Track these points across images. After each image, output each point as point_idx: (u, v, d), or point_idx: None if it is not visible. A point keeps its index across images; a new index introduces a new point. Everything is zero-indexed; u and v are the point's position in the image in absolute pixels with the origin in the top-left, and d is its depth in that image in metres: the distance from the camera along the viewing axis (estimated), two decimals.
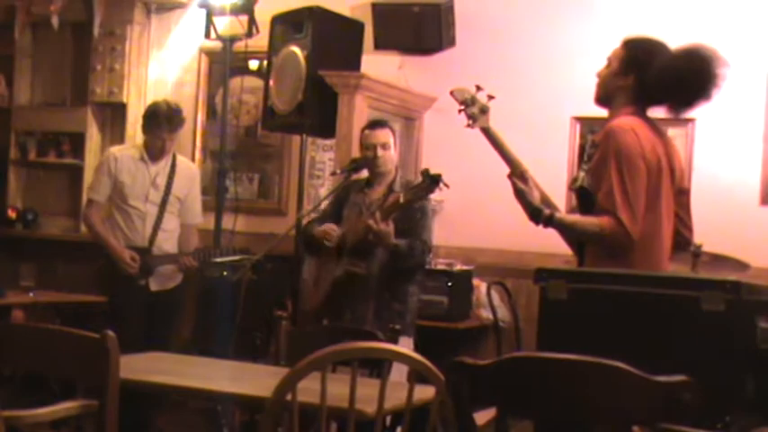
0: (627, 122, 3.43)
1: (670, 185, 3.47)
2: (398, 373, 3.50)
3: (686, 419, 2.13)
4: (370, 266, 4.62)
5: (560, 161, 5.91)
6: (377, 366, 3.43)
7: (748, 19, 5.58)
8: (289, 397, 2.75)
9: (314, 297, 4.81)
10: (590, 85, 3.65)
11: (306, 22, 5.63)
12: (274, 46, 5.84)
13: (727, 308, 2.65)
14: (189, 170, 5.67)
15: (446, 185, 4.38)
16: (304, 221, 5.18)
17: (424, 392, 2.91)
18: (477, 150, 5.65)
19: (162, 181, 5.48)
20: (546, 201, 3.70)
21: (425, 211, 4.69)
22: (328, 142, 6.29)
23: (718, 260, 4.67)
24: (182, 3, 7.16)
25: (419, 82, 6.27)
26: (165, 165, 5.51)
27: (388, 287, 4.64)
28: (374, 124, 4.88)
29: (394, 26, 6.21)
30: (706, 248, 4.53)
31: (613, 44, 3.62)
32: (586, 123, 5.84)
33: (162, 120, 5.41)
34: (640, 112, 3.51)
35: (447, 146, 6.20)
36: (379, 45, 6.22)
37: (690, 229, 3.62)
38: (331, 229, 4.75)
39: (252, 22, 6.04)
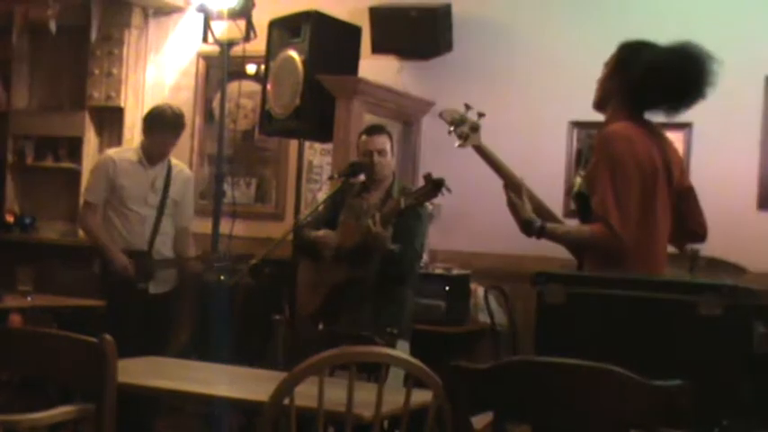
0: (621, 128, 3.43)
1: (667, 190, 3.47)
2: (396, 377, 3.51)
3: (683, 423, 2.14)
4: (368, 270, 4.62)
5: (558, 166, 5.92)
6: (374, 370, 3.43)
7: (745, 23, 5.59)
8: (286, 401, 2.75)
9: (311, 301, 4.80)
10: (588, 90, 3.66)
11: (303, 27, 5.63)
12: (272, 50, 5.84)
13: (724, 312, 2.66)
14: (183, 173, 5.68)
15: (448, 190, 4.39)
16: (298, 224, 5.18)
17: (422, 396, 2.91)
18: (474, 155, 5.66)
19: (159, 184, 5.49)
20: (543, 210, 3.71)
21: (420, 217, 4.69)
22: (326, 146, 6.30)
23: (716, 264, 4.68)
24: (179, 7, 7.16)
25: (417, 86, 6.28)
26: (161, 168, 5.52)
27: (384, 291, 4.64)
28: (371, 130, 4.88)
29: (391, 30, 6.21)
30: (703, 253, 4.55)
31: (611, 49, 3.63)
32: (584, 128, 5.85)
33: (169, 124, 5.43)
34: (636, 116, 3.51)
35: (444, 150, 6.17)
36: (377, 49, 6.22)
37: (702, 224, 3.63)
38: (329, 238, 4.74)
39: (249, 26, 6.04)
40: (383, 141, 4.78)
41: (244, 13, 6.01)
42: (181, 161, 5.89)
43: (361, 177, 4.93)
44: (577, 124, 5.87)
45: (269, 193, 6.92)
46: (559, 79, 5.79)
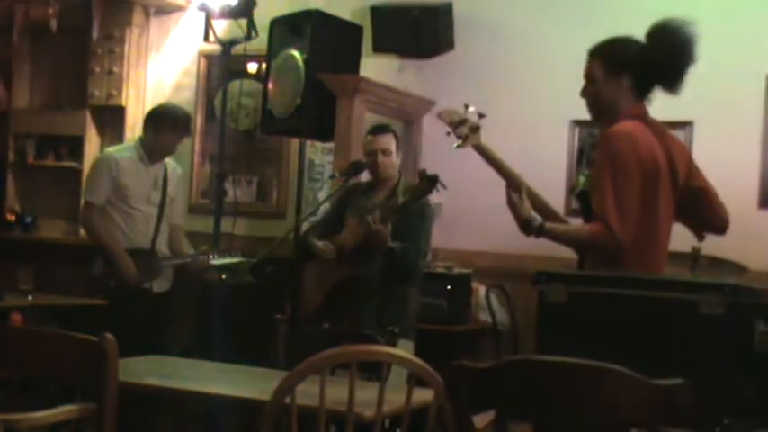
0: (625, 127, 3.42)
1: (671, 189, 3.46)
2: (397, 376, 3.51)
3: (684, 422, 2.14)
4: (371, 269, 4.62)
5: (559, 164, 5.92)
6: (375, 369, 3.43)
7: (746, 22, 5.59)
8: (287, 400, 2.75)
9: (315, 299, 4.80)
10: None
11: (305, 26, 5.63)
12: (273, 49, 5.84)
13: (725, 311, 2.66)
14: (176, 170, 5.69)
15: (443, 186, 4.39)
16: (303, 227, 5.17)
17: (423, 395, 2.91)
18: (475, 154, 5.66)
19: (160, 182, 5.49)
20: (545, 209, 3.71)
21: (425, 216, 4.68)
22: (327, 145, 6.29)
23: (717, 263, 4.68)
24: (180, 6, 7.16)
25: (418, 85, 6.28)
26: (159, 166, 5.52)
27: (388, 290, 4.64)
28: (376, 130, 4.87)
29: (393, 29, 6.21)
30: (704, 252, 4.55)
31: None
32: (585, 127, 5.86)
33: (181, 124, 5.43)
34: (642, 113, 3.51)
35: (446, 149, 6.17)
36: (378, 48, 6.23)
37: (722, 219, 3.62)
38: (328, 248, 4.73)
39: (251, 25, 6.05)
40: (388, 141, 4.77)
41: (245, 11, 6.02)
42: (181, 160, 5.90)
43: (362, 176, 4.94)
44: (578, 123, 5.87)
45: (270, 192, 6.91)
46: (561, 78, 5.78)
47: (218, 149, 6.28)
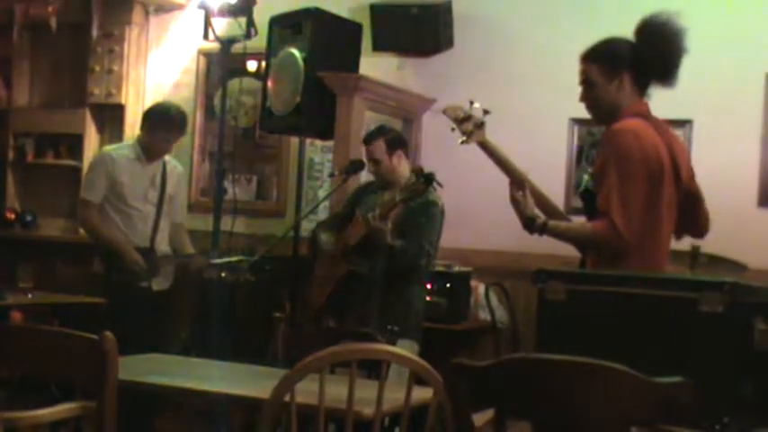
0: (630, 124, 3.43)
1: (674, 188, 3.46)
2: (397, 374, 3.51)
3: (684, 421, 2.14)
4: (375, 267, 4.61)
5: (558, 163, 5.92)
6: (375, 368, 3.43)
7: (746, 21, 5.59)
8: (287, 398, 2.75)
9: (320, 297, 4.81)
10: None
11: (304, 24, 5.63)
12: (273, 47, 5.84)
13: (724, 309, 2.66)
14: (177, 169, 5.69)
15: (439, 184, 4.39)
16: (303, 226, 5.17)
17: (423, 394, 2.92)
18: (475, 152, 5.65)
19: (158, 181, 5.49)
20: (549, 206, 3.71)
21: (430, 215, 4.67)
22: (327, 144, 6.29)
23: (716, 261, 4.68)
24: (180, 4, 7.16)
25: (417, 83, 6.28)
26: (158, 165, 5.52)
27: (392, 288, 4.63)
28: (363, 139, 4.91)
29: (392, 27, 6.21)
30: (704, 250, 4.55)
31: None
32: (584, 125, 5.86)
33: (175, 124, 5.43)
34: (644, 110, 3.51)
35: (445, 147, 6.18)
36: (378, 46, 6.23)
37: (704, 227, 3.64)
38: (331, 241, 4.75)
39: (250, 23, 6.03)
40: (374, 151, 4.77)
41: (244, 10, 6.00)
42: (181, 158, 5.90)
43: (362, 175, 4.95)
44: (578, 121, 5.87)
45: (270, 191, 6.92)
46: (560, 76, 5.75)
47: (218, 147, 6.25)
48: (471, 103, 3.93)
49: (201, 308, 6.07)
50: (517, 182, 3.62)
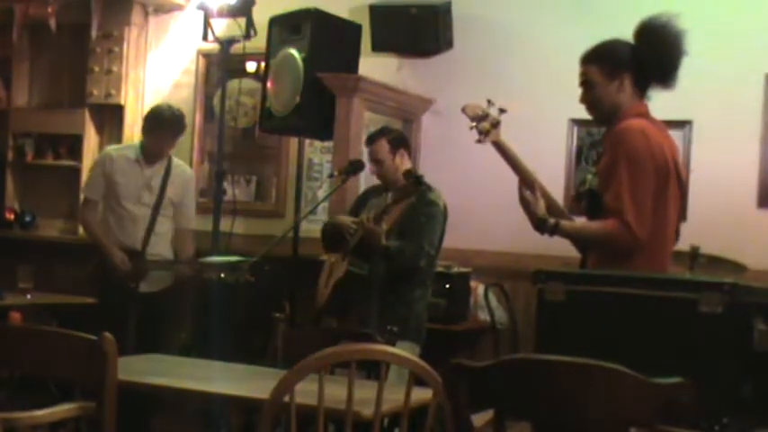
0: (637, 124, 3.44)
1: (677, 188, 3.47)
2: (397, 375, 3.51)
3: (683, 421, 2.14)
4: (375, 268, 4.60)
5: (557, 163, 5.92)
6: (374, 368, 3.43)
7: (745, 21, 5.59)
8: (286, 399, 2.75)
9: (322, 297, 4.81)
10: None
11: (303, 25, 5.63)
12: (272, 48, 5.84)
13: (724, 310, 2.66)
14: (184, 174, 5.67)
15: (429, 186, 4.41)
16: (302, 226, 5.17)
17: (422, 394, 2.91)
18: (474, 152, 5.64)
19: (156, 184, 5.48)
20: (554, 207, 3.70)
21: (431, 216, 4.66)
22: (326, 144, 6.29)
23: (716, 262, 4.68)
24: (179, 5, 7.16)
25: (417, 84, 6.28)
26: (160, 167, 5.51)
27: (392, 290, 4.62)
28: (366, 140, 4.92)
29: (391, 28, 6.21)
30: (703, 251, 4.55)
31: None
32: (584, 125, 5.86)
33: (166, 125, 5.43)
34: (645, 111, 3.52)
35: (445, 148, 6.20)
36: (377, 47, 6.22)
37: (677, 233, 3.63)
38: (350, 220, 4.75)
39: (249, 24, 6.03)
40: (377, 150, 4.78)
41: (244, 10, 6.00)
42: (180, 158, 5.89)
43: (361, 176, 4.95)
44: (577, 122, 5.87)
45: (269, 191, 6.92)
46: (559, 77, 5.77)
47: (217, 148, 6.25)
48: (489, 101, 3.91)
49: (201, 309, 6.07)
50: (527, 182, 3.61)
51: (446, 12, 6.14)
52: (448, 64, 6.25)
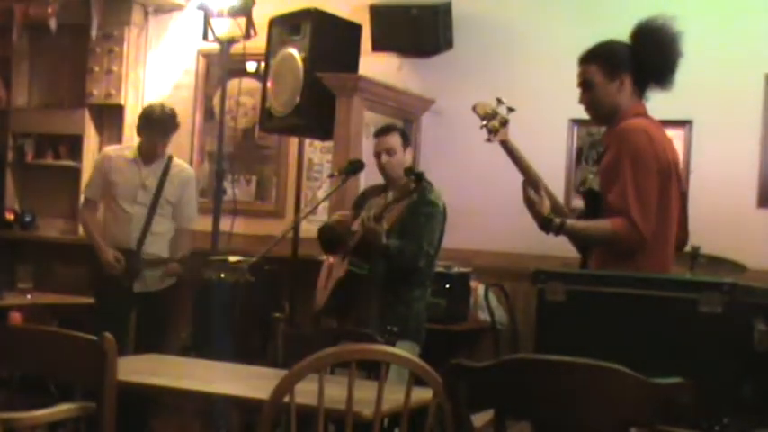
0: (639, 123, 3.44)
1: (678, 187, 3.48)
2: (397, 375, 3.51)
3: (683, 421, 2.14)
4: (375, 268, 4.60)
5: (558, 163, 5.92)
6: (374, 368, 3.43)
7: (746, 21, 5.59)
8: (286, 399, 2.75)
9: (322, 297, 4.81)
10: None
11: (303, 24, 5.63)
12: (272, 48, 5.84)
13: (724, 310, 2.66)
14: (183, 173, 5.66)
15: (429, 183, 4.40)
16: (301, 226, 5.16)
17: (422, 394, 2.91)
18: (474, 152, 5.66)
19: (152, 183, 5.48)
20: (557, 207, 3.70)
21: (431, 216, 4.65)
22: (326, 144, 6.29)
23: (716, 262, 4.69)
24: (179, 5, 7.16)
25: (417, 84, 6.28)
26: (157, 167, 5.51)
27: (392, 290, 4.62)
28: (379, 131, 4.89)
29: (392, 28, 6.21)
30: (704, 251, 4.55)
31: None
32: (584, 125, 5.86)
33: (155, 123, 5.43)
34: (644, 111, 3.52)
35: (445, 148, 6.20)
36: (377, 47, 6.22)
37: (686, 229, 3.63)
38: (344, 215, 4.75)
39: (249, 24, 6.04)
40: (390, 140, 4.76)
41: (244, 10, 6.01)
42: (181, 158, 5.89)
43: (363, 176, 4.94)
44: (577, 122, 5.87)
45: (269, 191, 6.92)
46: (560, 76, 5.76)
47: (217, 148, 6.26)
48: (498, 100, 3.90)
49: (200, 308, 6.07)
50: (532, 182, 3.61)
51: (446, 12, 6.14)
52: (448, 64, 6.25)
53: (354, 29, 5.95)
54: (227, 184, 6.18)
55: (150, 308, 5.47)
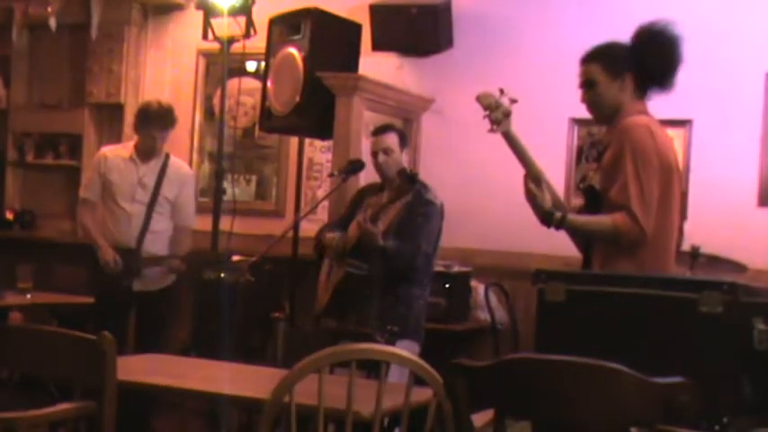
0: (642, 121, 3.45)
1: (679, 186, 3.48)
2: (398, 374, 3.51)
3: (684, 421, 2.14)
4: (373, 268, 4.60)
5: (558, 162, 5.91)
6: (375, 368, 3.43)
7: (746, 20, 5.58)
8: (286, 398, 2.75)
9: (323, 298, 4.81)
10: None
11: (303, 24, 5.62)
12: (272, 47, 5.83)
13: (724, 309, 2.65)
14: (181, 171, 5.65)
15: (423, 184, 4.42)
16: (301, 226, 5.17)
17: (422, 394, 2.91)
18: (474, 152, 5.66)
19: (150, 181, 5.47)
20: (558, 202, 3.70)
21: (429, 216, 4.66)
22: (326, 144, 6.29)
23: (716, 262, 4.68)
24: (179, 4, 7.16)
25: (417, 83, 6.28)
26: (155, 165, 5.51)
27: (391, 289, 4.62)
28: (377, 130, 4.90)
29: (392, 27, 6.20)
30: (704, 250, 4.55)
31: None
32: (584, 125, 5.85)
33: (152, 118, 5.42)
34: (645, 110, 3.52)
35: (445, 147, 6.20)
36: (377, 46, 6.22)
37: (681, 230, 3.63)
38: (331, 237, 4.76)
39: (249, 23, 6.04)
40: (388, 139, 4.77)
41: (244, 10, 6.01)
42: (181, 158, 5.89)
43: (363, 175, 4.94)
44: (578, 121, 5.87)
45: (269, 191, 6.92)
46: (560, 76, 5.78)
47: (217, 148, 6.27)
48: (501, 91, 3.90)
49: (201, 308, 6.07)
50: (533, 177, 3.60)
51: (446, 11, 6.14)
52: (448, 63, 6.24)
53: (354, 28, 5.95)
54: (226, 184, 6.17)
55: (150, 307, 5.47)
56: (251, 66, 6.70)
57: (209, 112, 7.09)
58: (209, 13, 6.10)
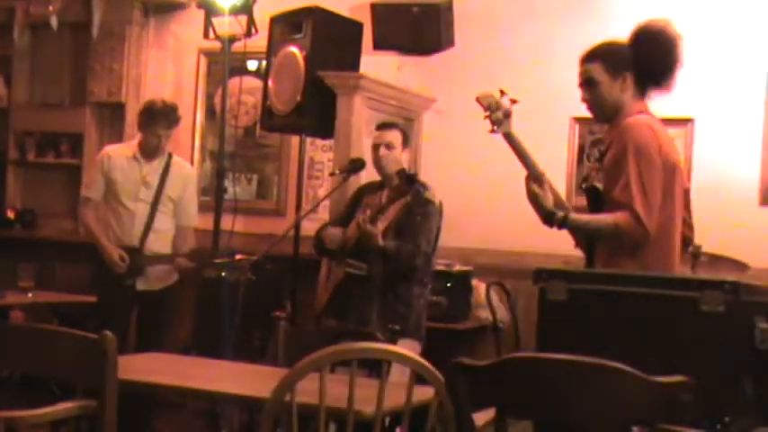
0: (643, 119, 3.45)
1: (682, 183, 3.48)
2: (399, 373, 3.50)
3: (685, 420, 2.13)
4: (374, 268, 4.60)
5: (560, 162, 5.91)
6: (376, 367, 3.42)
7: (748, 19, 5.58)
8: (288, 397, 2.75)
9: (323, 297, 4.81)
10: None
11: (305, 23, 5.62)
12: (273, 46, 5.83)
13: (726, 308, 2.65)
14: (184, 171, 5.66)
15: (423, 185, 4.44)
16: (302, 225, 5.17)
17: (423, 393, 2.91)
18: (475, 151, 5.65)
19: (153, 180, 5.47)
20: (560, 202, 3.70)
21: (428, 215, 4.66)
22: (327, 143, 6.29)
23: (718, 261, 4.67)
24: (181, 3, 7.16)
25: (418, 82, 6.27)
26: (158, 164, 5.51)
27: (391, 289, 4.62)
28: (381, 126, 4.91)
29: (393, 26, 6.20)
30: (705, 249, 4.54)
31: None
32: (586, 124, 5.85)
33: (158, 116, 5.41)
34: (646, 110, 3.52)
35: (446, 147, 6.19)
36: (378, 45, 6.22)
37: (692, 227, 3.63)
38: (333, 234, 4.76)
39: (251, 22, 6.04)
40: (391, 135, 4.78)
41: (245, 9, 6.02)
42: (182, 157, 5.88)
43: (365, 174, 4.94)
44: (579, 120, 5.87)
45: (270, 190, 6.91)
46: (561, 75, 5.77)
47: (218, 147, 6.27)
48: (501, 91, 3.90)
49: (202, 307, 6.07)
50: (535, 177, 3.60)
51: (448, 10, 6.14)
52: (449, 62, 6.24)
53: (356, 27, 5.94)
54: (228, 183, 6.18)
55: (152, 306, 5.47)
56: (252, 65, 6.70)
57: (210, 111, 7.09)
58: (210, 11, 6.10)
